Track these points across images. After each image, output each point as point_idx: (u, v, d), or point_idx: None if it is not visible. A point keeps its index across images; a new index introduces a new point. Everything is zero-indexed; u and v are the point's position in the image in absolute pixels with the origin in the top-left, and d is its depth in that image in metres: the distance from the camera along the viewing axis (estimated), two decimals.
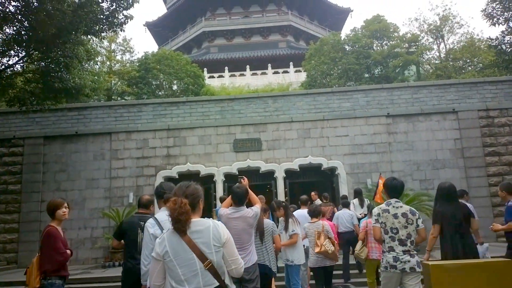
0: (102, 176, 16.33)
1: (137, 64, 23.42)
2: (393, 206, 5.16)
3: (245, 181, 5.67)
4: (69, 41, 13.53)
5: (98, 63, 23.60)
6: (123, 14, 12.62)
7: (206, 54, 42.90)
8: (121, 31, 13.32)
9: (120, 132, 16.69)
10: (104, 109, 17.35)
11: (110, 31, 13.00)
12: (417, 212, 5.18)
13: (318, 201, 12.72)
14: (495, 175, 15.51)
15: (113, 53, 24.51)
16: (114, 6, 12.38)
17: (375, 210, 5.32)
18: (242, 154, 16.23)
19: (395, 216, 5.08)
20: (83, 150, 16.69)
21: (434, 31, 23.98)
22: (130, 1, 12.38)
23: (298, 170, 15.94)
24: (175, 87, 23.47)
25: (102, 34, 13.34)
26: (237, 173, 16.00)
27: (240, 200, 5.35)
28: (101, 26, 12.61)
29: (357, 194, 12.65)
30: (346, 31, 38.21)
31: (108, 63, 23.75)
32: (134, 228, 5.08)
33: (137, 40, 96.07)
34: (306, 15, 47.01)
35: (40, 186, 16.34)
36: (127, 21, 12.81)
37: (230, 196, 5.60)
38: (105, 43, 23.91)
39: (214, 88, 25.64)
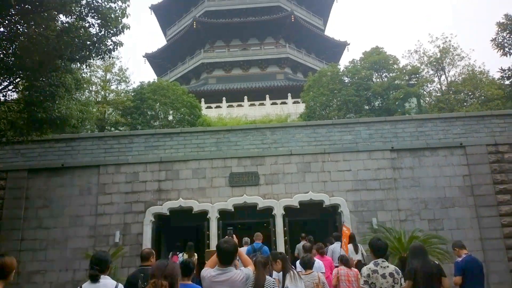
0: (87, 212, 14.84)
1: (132, 94, 22.25)
2: (381, 266, 5.37)
3: (234, 238, 4.41)
4: (56, 69, 12.32)
5: (92, 92, 22.47)
6: (111, 40, 11.42)
7: (204, 85, 42.12)
8: (109, 58, 12.12)
9: (109, 164, 15.32)
10: (94, 140, 16.02)
11: (98, 57, 11.76)
12: (400, 271, 5.45)
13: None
14: (508, 215, 14.11)
15: (108, 83, 23.34)
16: (102, 32, 11.18)
17: (364, 271, 5.44)
18: (238, 189, 14.83)
19: (383, 276, 5.28)
20: (68, 184, 15.26)
21: (434, 63, 22.99)
22: (120, 27, 11.20)
23: (298, 207, 14.51)
24: (170, 117, 22.24)
25: (89, 60, 12.10)
26: (233, 209, 14.58)
27: (227, 259, 4.22)
28: (87, 52, 11.38)
29: (351, 239, 11.70)
30: (343, 63, 37.58)
31: (102, 93, 22.55)
32: (135, 282, 5.47)
33: (136, 70, 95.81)
34: (304, 48, 46.55)
35: (21, 223, 14.80)
36: (116, 48, 11.61)
37: (215, 253, 4.34)
38: (100, 72, 22.82)
39: (211, 119, 24.43)
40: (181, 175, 15.01)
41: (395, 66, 23.39)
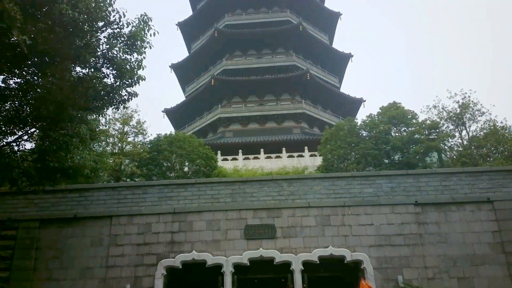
0: (97, 264, 14.12)
1: (149, 146, 22.04)
2: None
3: None
4: (71, 120, 12.09)
5: (110, 144, 22.36)
6: (126, 91, 11.22)
7: (220, 138, 42.10)
8: (124, 108, 11.93)
9: (122, 215, 14.76)
10: (107, 190, 15.58)
11: (112, 107, 11.53)
12: None
13: None
14: None
15: (125, 135, 23.25)
16: (118, 83, 11.00)
17: None
18: (254, 242, 14.02)
19: None
20: (80, 235, 14.68)
21: (454, 118, 22.48)
22: (135, 78, 11.03)
23: (318, 262, 13.56)
24: (186, 169, 21.84)
25: (103, 110, 11.86)
26: (248, 263, 13.69)
27: None
28: (101, 102, 11.17)
29: None
30: (360, 118, 36.98)
31: (119, 144, 22.40)
32: None
33: (155, 124, 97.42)
34: (320, 104, 46.67)
35: (31, 274, 14.14)
36: (131, 98, 11.41)
37: None
38: (118, 125, 22.81)
39: (227, 170, 23.96)
40: (194, 226, 14.33)
41: (414, 120, 22.92)
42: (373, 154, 20.53)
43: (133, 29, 10.60)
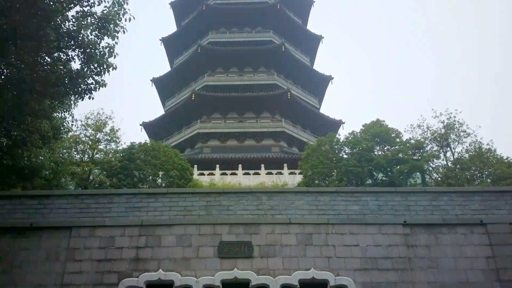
0: (52, 282, 12.16)
1: (121, 155, 20.27)
2: None
3: None
4: (34, 113, 10.40)
5: (80, 151, 20.53)
6: (93, 79, 9.62)
7: (198, 154, 40.59)
8: (89, 98, 10.24)
9: (83, 227, 12.89)
10: (69, 198, 13.67)
11: (75, 97, 9.90)
12: None
13: None
14: None
15: (97, 143, 21.46)
16: (85, 69, 9.42)
17: None
18: (228, 261, 12.33)
19: None
20: (35, 247, 12.71)
21: (439, 139, 21.51)
22: (105, 66, 9.46)
23: (298, 286, 11.93)
24: (159, 180, 20.10)
25: (66, 98, 10.22)
26: (221, 286, 11.98)
27: None
28: (64, 89, 9.51)
29: None
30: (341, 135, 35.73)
31: (89, 152, 20.59)
32: None
33: (131, 137, 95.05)
34: (299, 123, 45.74)
35: None
36: (98, 88, 9.81)
37: None
38: (90, 131, 21.06)
39: (203, 184, 22.33)
40: (163, 242, 12.57)
41: (398, 139, 21.85)
42: (356, 172, 19.24)
43: (105, 10, 9.08)
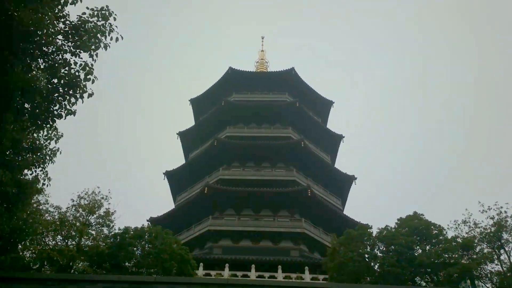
0: None
1: (111, 240, 17.41)
2: None
3: None
4: None
5: (66, 239, 17.90)
6: (62, 106, 7.41)
7: (208, 254, 36.96)
8: (52, 127, 7.89)
9: None
10: (33, 283, 10.75)
11: (38, 122, 7.57)
12: None
13: None
14: None
15: (89, 227, 18.78)
16: (52, 91, 7.27)
17: None
18: None
19: None
20: None
21: (489, 238, 18.21)
22: (79, 91, 7.33)
23: None
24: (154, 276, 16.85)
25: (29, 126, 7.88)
26: None
27: None
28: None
29: None
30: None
31: (77, 237, 17.88)
32: None
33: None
34: (321, 226, 41.93)
35: None
36: (68, 114, 7.53)
37: None
38: (81, 211, 18.60)
39: None
40: None
41: (441, 237, 18.59)
42: (396, 273, 15.79)
43: (88, 23, 7.21)
